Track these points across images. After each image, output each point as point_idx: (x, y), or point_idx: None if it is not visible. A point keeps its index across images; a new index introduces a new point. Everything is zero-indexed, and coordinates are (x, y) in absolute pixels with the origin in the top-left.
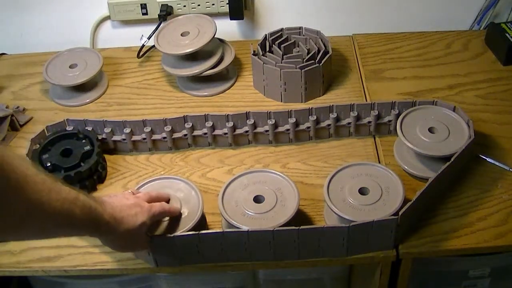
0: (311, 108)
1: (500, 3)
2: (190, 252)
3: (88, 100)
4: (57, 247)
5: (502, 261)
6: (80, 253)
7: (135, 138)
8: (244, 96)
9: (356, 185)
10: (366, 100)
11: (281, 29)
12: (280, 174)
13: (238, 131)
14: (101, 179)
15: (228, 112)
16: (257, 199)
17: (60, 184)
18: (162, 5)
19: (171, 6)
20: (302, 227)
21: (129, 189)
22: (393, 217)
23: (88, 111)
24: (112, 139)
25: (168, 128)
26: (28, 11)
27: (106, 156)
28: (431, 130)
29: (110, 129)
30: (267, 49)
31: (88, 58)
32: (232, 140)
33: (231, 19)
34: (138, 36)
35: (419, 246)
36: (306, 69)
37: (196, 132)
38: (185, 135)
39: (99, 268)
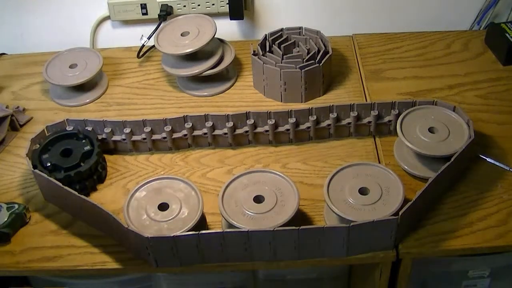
0: (311, 108)
1: (500, 3)
2: (190, 252)
3: (88, 100)
4: (57, 247)
5: (502, 261)
6: (80, 253)
7: (135, 138)
8: (244, 96)
9: (356, 185)
10: (366, 100)
11: (281, 29)
12: (280, 174)
13: (238, 131)
14: (101, 179)
15: (228, 112)
16: (257, 199)
17: None
18: (162, 5)
19: (171, 6)
20: (302, 227)
21: None
22: (393, 217)
23: (88, 111)
24: (112, 139)
25: (168, 128)
26: (28, 11)
27: (106, 156)
28: (431, 130)
29: (110, 129)
30: (267, 49)
31: (88, 58)
32: (232, 140)
33: (231, 19)
34: (138, 36)
35: (419, 246)
36: (306, 69)
37: (196, 132)
38: (185, 135)
39: (99, 268)
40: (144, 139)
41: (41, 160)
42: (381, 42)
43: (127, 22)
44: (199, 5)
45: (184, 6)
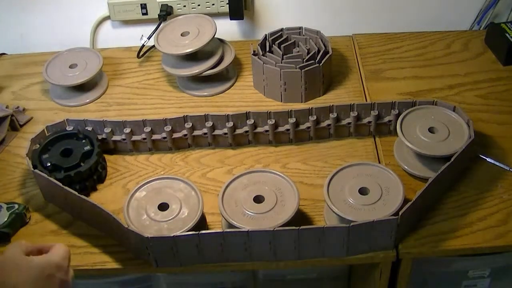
0: (311, 108)
1: (500, 3)
2: (190, 252)
3: (88, 100)
4: None
5: (502, 261)
6: (80, 253)
7: (135, 138)
8: (244, 96)
9: (356, 185)
10: (366, 100)
11: (281, 29)
12: (280, 174)
13: (238, 131)
14: (101, 179)
15: (228, 112)
16: (257, 199)
17: None
18: (162, 5)
19: (171, 6)
20: (302, 227)
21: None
22: (393, 217)
23: (88, 111)
24: (112, 139)
25: (168, 128)
26: (28, 11)
27: (106, 156)
28: (431, 130)
29: (110, 129)
30: (267, 49)
31: (88, 58)
32: (232, 140)
33: (231, 19)
34: (138, 36)
35: (419, 246)
36: (306, 69)
37: (196, 132)
38: (185, 135)
39: (99, 268)
40: (144, 139)
41: (41, 160)
42: (381, 42)
43: (127, 22)
44: (199, 5)
45: (184, 6)
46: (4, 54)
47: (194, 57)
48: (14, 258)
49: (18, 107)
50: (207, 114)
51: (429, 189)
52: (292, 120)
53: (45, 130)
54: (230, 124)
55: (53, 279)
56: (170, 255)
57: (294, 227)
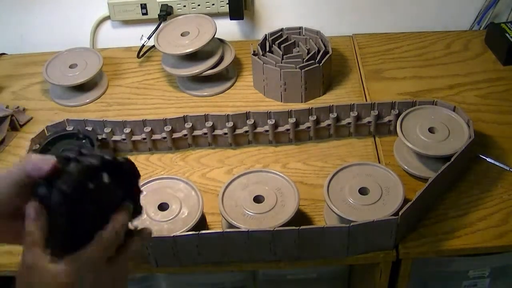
0: (311, 108)
1: (500, 3)
2: (190, 252)
3: (88, 100)
4: None
5: (502, 261)
6: None
7: (135, 138)
8: (244, 96)
9: (356, 185)
10: (366, 100)
11: (281, 29)
12: (280, 174)
13: (238, 131)
14: None
15: (228, 112)
16: (257, 199)
17: None
18: (162, 5)
19: (171, 6)
20: (302, 227)
21: None
22: (393, 217)
23: (88, 111)
24: (112, 139)
25: (168, 128)
26: (28, 11)
27: None
28: (431, 130)
29: (110, 129)
30: (267, 49)
31: (88, 58)
32: (232, 140)
33: (231, 19)
34: (138, 36)
35: (419, 246)
36: (306, 69)
37: (196, 132)
38: (185, 135)
39: None
40: (144, 139)
41: None
42: (381, 42)
43: (127, 22)
44: (199, 5)
45: (184, 6)
46: (4, 54)
47: (194, 57)
48: (34, 268)
49: (18, 107)
50: (207, 114)
51: (429, 189)
52: (292, 120)
53: (45, 130)
54: (230, 124)
55: (87, 279)
56: (170, 255)
57: (294, 227)
